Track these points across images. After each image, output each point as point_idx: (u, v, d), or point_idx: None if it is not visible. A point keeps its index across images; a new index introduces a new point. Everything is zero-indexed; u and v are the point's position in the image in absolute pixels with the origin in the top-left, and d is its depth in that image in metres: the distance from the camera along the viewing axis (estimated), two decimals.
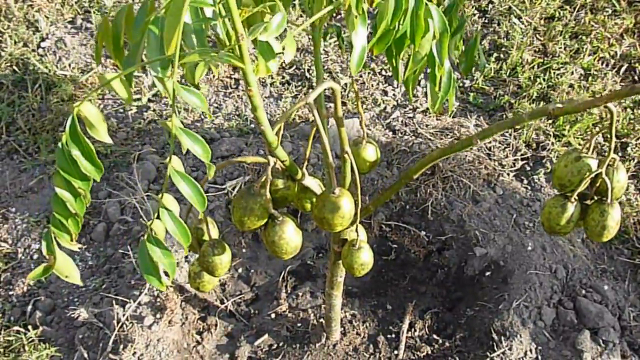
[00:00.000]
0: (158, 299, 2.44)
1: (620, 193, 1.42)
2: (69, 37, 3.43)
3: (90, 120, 1.17)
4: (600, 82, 3.16)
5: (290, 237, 1.45)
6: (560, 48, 3.30)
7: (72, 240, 1.34)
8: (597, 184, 1.39)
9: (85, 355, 2.34)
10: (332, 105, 1.44)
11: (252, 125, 3.03)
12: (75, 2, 3.57)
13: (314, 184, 1.55)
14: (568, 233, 1.45)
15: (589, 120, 2.98)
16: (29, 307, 2.52)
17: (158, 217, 1.27)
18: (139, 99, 3.16)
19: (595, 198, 1.42)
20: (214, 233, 1.57)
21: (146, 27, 1.19)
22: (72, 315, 2.45)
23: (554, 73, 3.19)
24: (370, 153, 1.68)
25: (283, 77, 3.27)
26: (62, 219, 1.28)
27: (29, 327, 2.44)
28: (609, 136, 1.34)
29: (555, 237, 2.65)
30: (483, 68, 3.18)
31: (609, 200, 1.39)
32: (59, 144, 1.18)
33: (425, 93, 3.20)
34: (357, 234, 1.60)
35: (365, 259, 1.62)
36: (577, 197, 1.39)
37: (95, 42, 1.39)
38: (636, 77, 3.27)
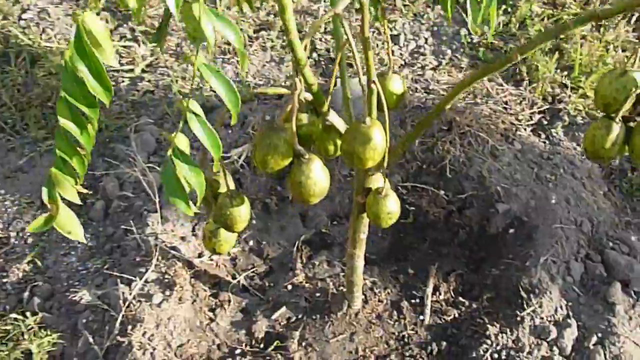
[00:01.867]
0: (166, 276, 2.36)
1: None
2: (52, 8, 3.31)
3: (95, 36, 1.04)
4: (613, 32, 3.07)
5: (318, 177, 1.36)
6: None
7: (76, 183, 1.22)
8: None
9: (91, 339, 2.24)
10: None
11: (255, 91, 2.91)
12: None
13: (339, 122, 1.47)
14: (612, 158, 1.39)
15: (604, 70, 2.90)
16: (26, 294, 2.40)
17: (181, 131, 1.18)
18: (132, 71, 3.03)
19: (638, 119, 1.36)
20: (231, 184, 1.47)
21: None
22: (74, 299, 2.35)
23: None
24: (397, 85, 1.57)
25: (283, 41, 3.16)
26: (65, 156, 1.17)
27: (27, 314, 2.33)
28: None
29: (580, 189, 2.56)
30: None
31: None
32: (62, 61, 1.05)
33: (434, 51, 3.10)
34: (384, 179, 1.49)
35: (392, 207, 1.54)
36: (621, 118, 1.33)
37: None
38: None
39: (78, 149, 1.18)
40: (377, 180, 1.65)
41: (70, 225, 1.23)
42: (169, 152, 1.20)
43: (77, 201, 1.23)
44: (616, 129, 1.33)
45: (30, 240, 2.55)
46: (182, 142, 1.21)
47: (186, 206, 1.23)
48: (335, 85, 1.45)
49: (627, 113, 1.34)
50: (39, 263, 2.48)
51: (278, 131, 1.31)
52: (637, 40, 3.10)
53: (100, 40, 1.05)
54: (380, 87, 1.37)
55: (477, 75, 1.41)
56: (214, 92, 2.78)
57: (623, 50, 3.05)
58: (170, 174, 1.19)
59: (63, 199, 1.20)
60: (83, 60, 1.04)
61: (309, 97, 1.37)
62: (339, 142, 1.45)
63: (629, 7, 1.19)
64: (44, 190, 1.19)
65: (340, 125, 1.45)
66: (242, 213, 1.43)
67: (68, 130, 1.12)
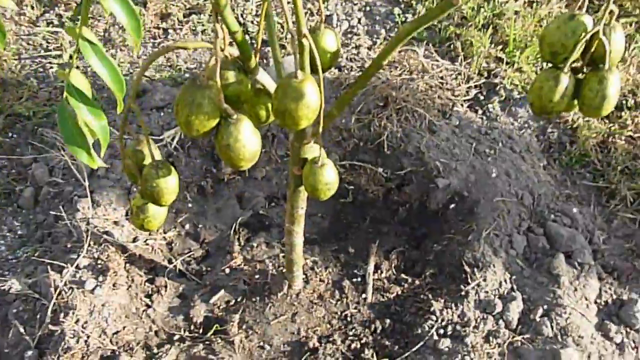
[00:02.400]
0: (99, 261, 2.28)
1: (617, 58, 1.29)
2: None
3: None
4: (546, 8, 3.08)
5: (248, 138, 1.25)
6: None
7: None
8: (592, 49, 1.26)
9: (22, 330, 2.15)
10: None
11: (187, 75, 2.84)
12: None
13: (270, 82, 1.36)
14: (560, 112, 1.32)
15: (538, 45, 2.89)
16: None
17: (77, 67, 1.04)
18: (60, 57, 2.94)
19: (586, 70, 1.29)
20: (157, 154, 1.37)
21: None
22: (3, 289, 2.25)
23: (498, 1, 3.10)
24: (331, 41, 1.42)
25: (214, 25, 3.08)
26: None
27: None
28: None
29: (520, 163, 2.55)
30: None
31: (606, 66, 1.25)
32: None
33: (367, 31, 3.07)
34: (319, 149, 1.42)
35: (330, 177, 1.48)
36: (569, 68, 1.26)
37: None
38: (580, 3, 3.19)
39: None
40: (313, 150, 1.57)
41: None
42: (65, 92, 1.06)
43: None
44: (565, 80, 1.26)
45: None
46: (78, 79, 1.07)
47: (88, 157, 1.10)
48: (266, 61, 1.36)
49: (575, 63, 1.27)
50: None
51: (202, 88, 1.19)
52: None
53: None
54: (312, 41, 1.25)
55: (415, 24, 1.29)
56: (144, 75, 2.71)
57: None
58: (67, 118, 1.06)
59: None
60: None
61: (235, 52, 1.27)
62: (270, 106, 1.35)
63: None
64: None
65: (272, 85, 1.35)
66: (170, 184, 1.34)
67: None
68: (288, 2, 1.23)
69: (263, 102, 1.38)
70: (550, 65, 1.30)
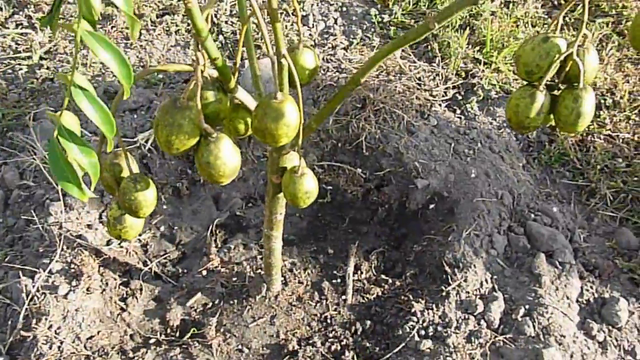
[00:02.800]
0: (72, 265, 2.25)
1: (591, 77, 1.33)
2: None
3: None
4: (522, 9, 3.09)
5: (228, 156, 1.28)
6: None
7: None
8: (567, 69, 1.30)
9: None
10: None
11: (160, 76, 2.80)
12: None
13: (248, 99, 1.39)
14: (537, 128, 1.36)
15: (516, 45, 2.91)
16: None
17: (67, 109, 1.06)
18: (29, 58, 2.88)
19: (562, 87, 1.34)
20: (134, 167, 1.38)
21: None
22: None
23: None
24: (309, 59, 1.49)
25: (188, 24, 3.08)
26: None
27: None
28: (582, 9, 1.22)
29: (499, 163, 2.55)
30: None
31: (581, 85, 1.29)
32: None
33: (344, 31, 3.06)
34: (299, 158, 1.44)
35: (310, 186, 1.49)
36: (545, 86, 1.30)
37: None
38: (555, 2, 3.21)
39: None
40: (292, 159, 1.59)
41: None
42: (55, 132, 1.08)
43: None
44: (541, 97, 1.30)
45: None
46: (69, 120, 1.09)
47: (79, 191, 1.12)
48: (242, 62, 1.36)
49: (550, 80, 1.31)
50: None
51: (182, 109, 1.22)
52: (546, 16, 3.12)
53: None
54: (292, 62, 1.29)
55: (392, 46, 1.33)
56: (115, 77, 2.68)
57: (533, 26, 3.07)
58: (58, 157, 1.09)
59: None
60: None
61: (215, 73, 1.29)
62: (249, 120, 1.38)
63: None
64: None
65: (250, 102, 1.38)
66: (148, 197, 1.35)
67: None
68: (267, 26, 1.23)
69: (241, 117, 1.40)
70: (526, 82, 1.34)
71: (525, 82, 1.34)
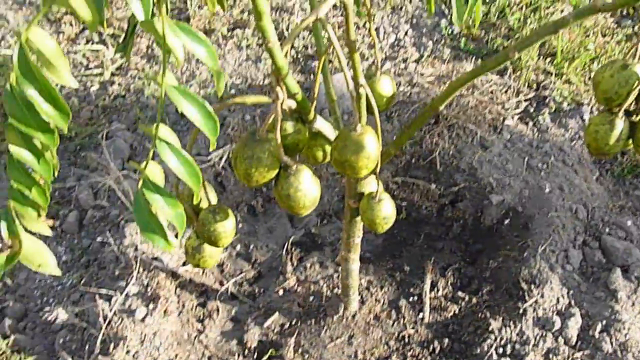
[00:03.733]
0: (149, 288, 2.27)
1: None
2: (11, 14, 3.18)
3: (44, 55, 0.90)
4: (592, 19, 3.06)
5: (308, 188, 1.26)
6: None
7: (39, 216, 1.08)
8: None
9: None
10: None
11: (232, 91, 2.84)
12: None
13: (327, 128, 1.38)
14: (616, 153, 1.35)
15: (586, 56, 2.89)
16: None
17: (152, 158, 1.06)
18: (101, 74, 2.93)
19: None
20: (213, 198, 1.39)
21: None
22: (49, 319, 2.24)
23: (544, 12, 3.09)
24: (387, 86, 1.50)
25: (259, 39, 3.08)
26: (22, 188, 1.04)
27: None
28: None
29: (572, 176, 2.54)
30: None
31: None
32: (7, 85, 0.91)
33: (414, 43, 3.05)
34: (377, 184, 1.44)
35: (388, 211, 1.48)
36: (624, 113, 1.30)
37: None
38: (624, 12, 3.17)
39: (36, 178, 1.04)
40: (370, 184, 1.59)
41: (40, 257, 1.09)
42: (139, 184, 1.08)
43: (47, 233, 1.10)
44: (620, 124, 1.29)
45: None
46: (153, 172, 1.10)
47: (165, 242, 1.11)
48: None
49: (629, 107, 1.31)
50: (9, 281, 2.36)
51: (261, 142, 1.21)
52: (615, 26, 3.09)
53: (52, 59, 0.91)
54: (369, 90, 1.28)
55: (472, 75, 1.34)
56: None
57: (603, 36, 3.04)
58: (142, 207, 1.08)
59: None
60: (31, 83, 0.91)
61: (293, 104, 1.28)
62: (327, 148, 1.38)
63: (630, 2, 1.12)
64: (2, 225, 1.05)
65: (329, 131, 1.38)
66: (227, 228, 1.34)
67: (22, 160, 0.99)
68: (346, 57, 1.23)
69: (320, 145, 1.39)
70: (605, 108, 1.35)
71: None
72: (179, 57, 0.95)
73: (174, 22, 0.93)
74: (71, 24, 3.11)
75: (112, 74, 3.00)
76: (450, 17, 3.15)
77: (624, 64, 1.27)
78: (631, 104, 1.29)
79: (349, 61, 1.27)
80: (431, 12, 1.49)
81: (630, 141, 1.33)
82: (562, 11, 3.10)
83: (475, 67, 1.33)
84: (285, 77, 1.17)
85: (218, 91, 1.01)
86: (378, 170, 1.38)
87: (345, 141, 1.25)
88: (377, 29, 3.11)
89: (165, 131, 1.04)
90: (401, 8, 3.22)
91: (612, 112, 1.30)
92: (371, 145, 1.25)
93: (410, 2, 3.22)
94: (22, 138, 0.97)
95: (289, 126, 1.29)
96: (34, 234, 1.08)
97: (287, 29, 3.10)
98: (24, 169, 1.02)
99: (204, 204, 1.37)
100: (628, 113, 1.31)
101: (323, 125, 1.36)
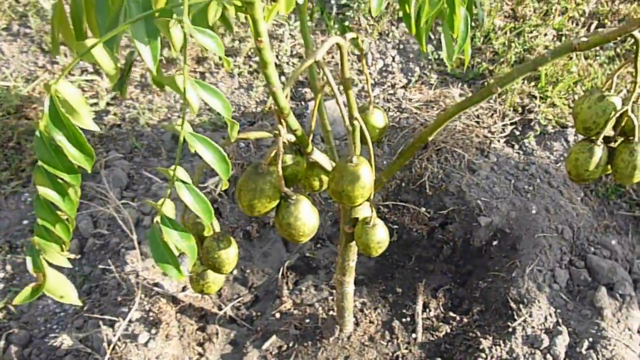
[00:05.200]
0: (151, 313, 2.33)
1: None
2: (6, 45, 3.26)
3: (70, 103, 1.02)
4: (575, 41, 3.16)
5: (307, 217, 1.36)
6: (529, 11, 3.34)
7: (62, 250, 1.18)
8: (622, 123, 1.39)
9: None
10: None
11: (237, 136, 2.90)
12: (8, 8, 3.39)
13: (324, 159, 1.49)
14: (595, 179, 1.45)
15: (570, 79, 3.00)
16: (2, 342, 2.34)
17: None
18: (96, 104, 3.01)
19: (619, 140, 1.42)
20: (216, 226, 1.49)
21: None
22: (54, 345, 2.31)
23: (528, 36, 3.21)
24: (379, 118, 1.60)
25: (250, 66, 3.19)
26: (48, 224, 1.14)
27: None
28: (634, 69, 1.30)
29: (558, 197, 2.64)
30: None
31: (636, 139, 1.38)
32: (37, 132, 1.03)
33: (402, 68, 3.15)
34: (371, 210, 1.53)
35: (381, 236, 1.56)
36: (602, 140, 1.39)
37: (52, 29, 1.25)
38: None
39: (60, 215, 1.14)
40: (364, 210, 1.69)
41: (62, 289, 1.19)
42: (156, 219, 1.18)
43: (68, 265, 1.20)
44: (598, 152, 1.38)
45: (1, 285, 2.50)
46: (169, 209, 1.21)
47: (177, 272, 1.21)
48: (306, 103, 1.46)
49: (607, 133, 1.40)
50: (13, 308, 2.43)
51: (264, 175, 1.31)
52: (597, 48, 3.20)
53: (76, 106, 1.03)
54: (363, 123, 1.39)
55: (458, 108, 1.44)
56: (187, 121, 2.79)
57: (586, 58, 3.15)
58: (157, 241, 1.18)
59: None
60: (60, 129, 1.02)
61: (292, 138, 1.39)
62: (323, 177, 1.48)
63: (605, 41, 1.22)
64: (28, 259, 1.15)
65: (325, 162, 1.48)
66: (231, 255, 1.44)
67: (48, 199, 1.10)
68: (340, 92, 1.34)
69: (316, 175, 1.49)
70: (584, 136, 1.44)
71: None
72: (195, 109, 1.06)
73: (193, 79, 1.04)
74: (65, 55, 3.19)
75: (108, 104, 3.08)
76: (436, 43, 3.26)
77: (601, 95, 1.36)
78: (609, 131, 1.38)
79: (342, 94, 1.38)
80: (424, 51, 1.60)
81: (609, 167, 1.43)
82: (545, 34, 3.22)
83: (462, 101, 1.43)
84: (287, 116, 1.28)
85: (231, 138, 1.12)
86: (372, 197, 1.48)
87: (342, 172, 1.35)
88: (365, 55, 3.21)
89: (181, 172, 1.15)
90: (388, 34, 3.33)
91: (591, 140, 1.39)
92: (366, 175, 1.35)
93: (397, 28, 3.33)
94: (49, 179, 1.07)
95: (288, 158, 1.38)
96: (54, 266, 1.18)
97: (277, 57, 3.21)
98: (49, 207, 1.12)
99: (208, 232, 1.46)
100: (607, 140, 1.40)
101: (320, 157, 1.45)
